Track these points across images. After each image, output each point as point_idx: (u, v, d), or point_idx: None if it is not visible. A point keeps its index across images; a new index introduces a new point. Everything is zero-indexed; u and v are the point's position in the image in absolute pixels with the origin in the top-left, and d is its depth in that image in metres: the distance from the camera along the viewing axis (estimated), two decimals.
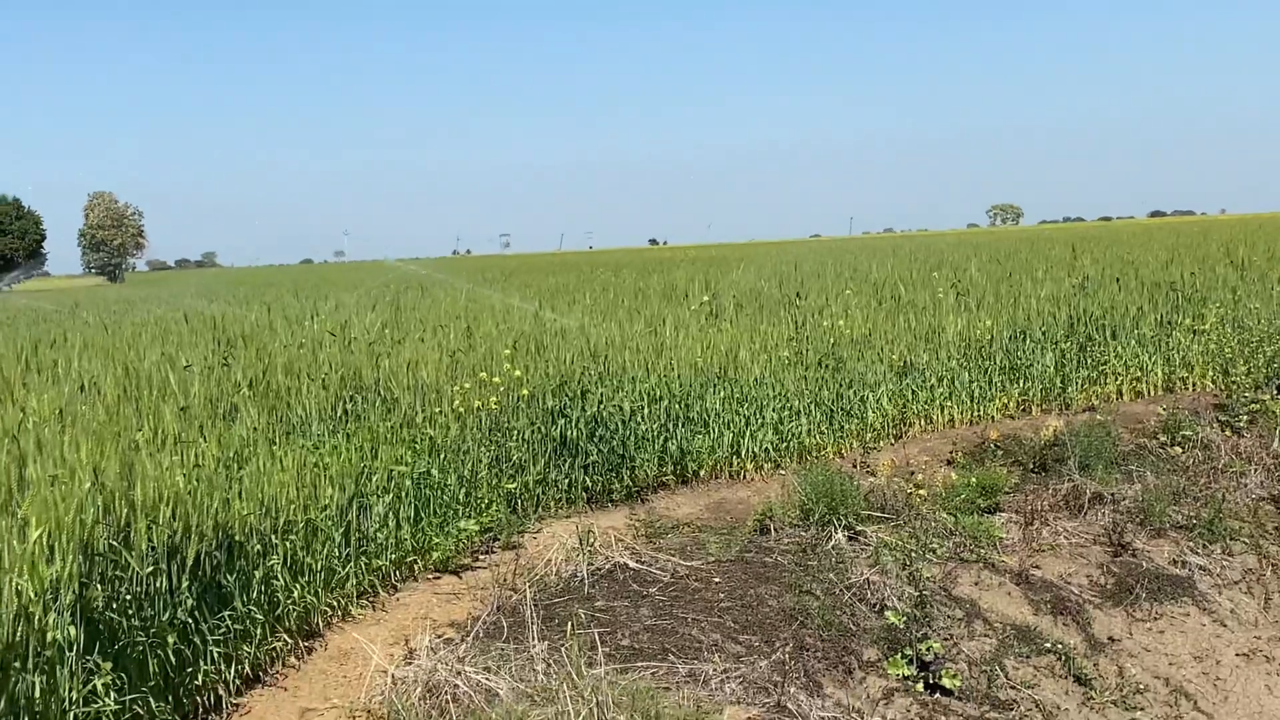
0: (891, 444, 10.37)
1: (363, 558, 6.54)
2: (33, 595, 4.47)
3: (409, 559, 6.94)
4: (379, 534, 6.72)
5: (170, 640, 5.08)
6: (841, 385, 10.28)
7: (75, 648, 4.59)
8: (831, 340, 11.46)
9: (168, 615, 5.10)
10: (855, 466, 9.36)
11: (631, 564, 7.11)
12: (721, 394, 9.45)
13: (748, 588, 6.78)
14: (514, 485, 8.04)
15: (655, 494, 8.90)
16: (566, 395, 8.78)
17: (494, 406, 8.47)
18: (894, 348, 11.32)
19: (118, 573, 4.94)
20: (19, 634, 4.44)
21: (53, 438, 5.81)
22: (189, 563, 5.27)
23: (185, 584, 5.19)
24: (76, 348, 11.17)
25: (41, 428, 6.33)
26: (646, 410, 8.94)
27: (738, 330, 11.82)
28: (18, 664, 4.48)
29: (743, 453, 9.29)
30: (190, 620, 5.22)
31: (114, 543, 5.02)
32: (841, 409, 10.05)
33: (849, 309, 13.41)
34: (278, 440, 7.16)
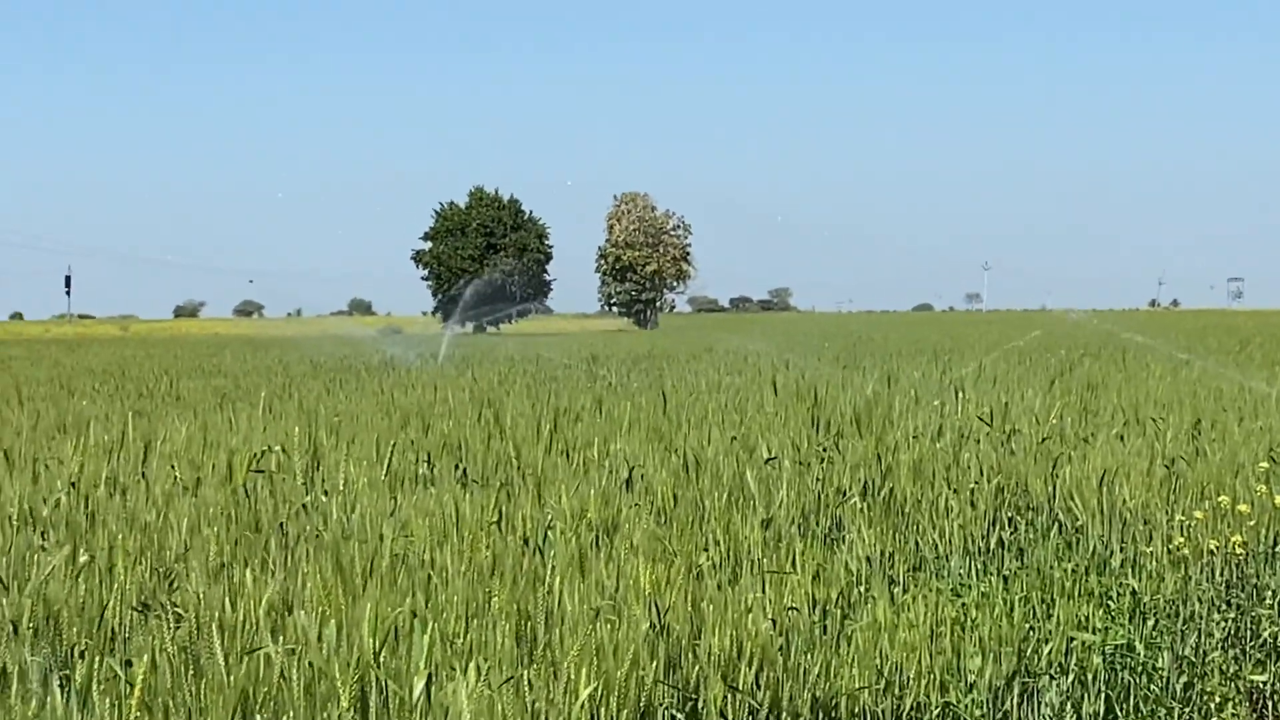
0: None
1: None
2: None
3: None
4: None
5: None
6: None
7: None
8: None
9: None
10: None
11: None
12: None
13: None
14: (1263, 677, 7.15)
15: None
16: None
17: (1237, 550, 7.78)
18: None
19: None
20: None
21: (590, 552, 5.75)
22: None
23: None
24: (609, 418, 11.59)
25: (573, 535, 6.41)
26: None
27: None
28: None
29: None
30: None
31: (678, 714, 5.03)
32: None
33: None
34: (900, 579, 7.09)
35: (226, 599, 5.47)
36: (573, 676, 4.67)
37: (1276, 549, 7.88)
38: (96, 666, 4.51)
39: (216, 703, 4.30)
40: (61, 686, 4.46)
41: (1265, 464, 9.02)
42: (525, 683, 4.68)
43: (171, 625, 5.05)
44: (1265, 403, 13.23)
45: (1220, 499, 8.13)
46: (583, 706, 4.59)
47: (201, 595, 5.59)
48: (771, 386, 14.81)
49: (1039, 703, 6.15)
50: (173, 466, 9.38)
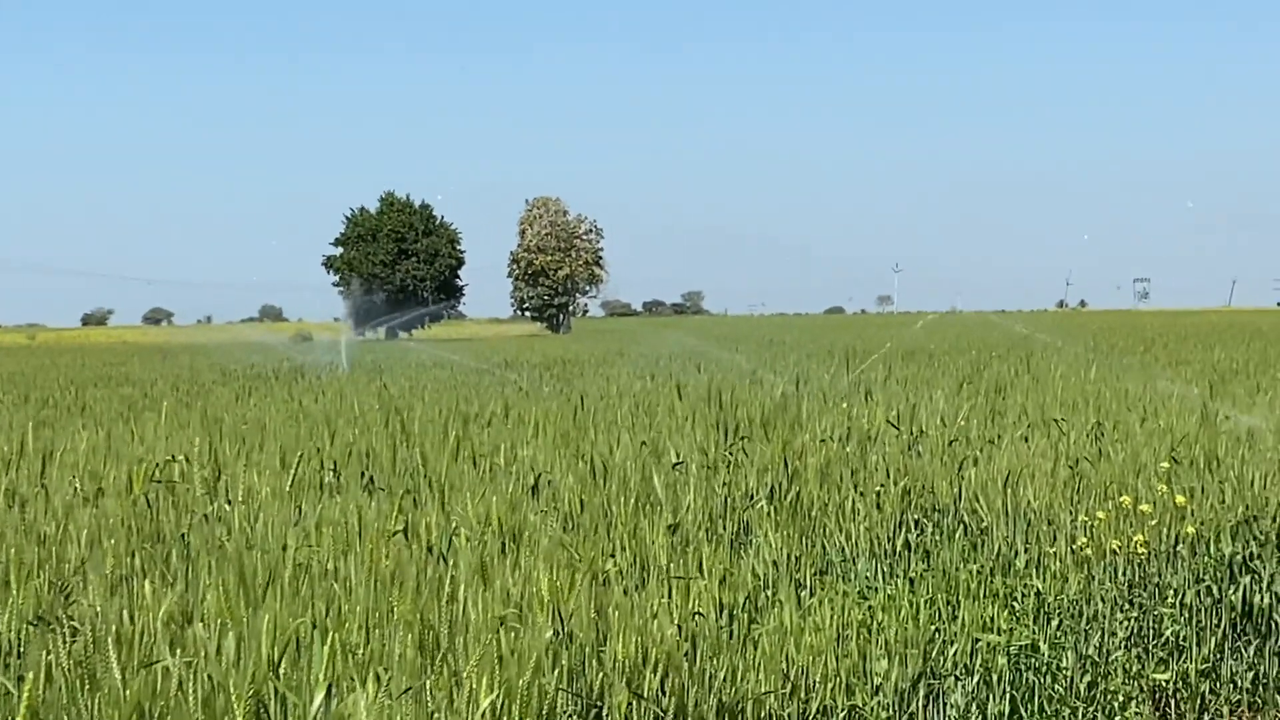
0: None
1: None
2: None
3: None
4: None
5: None
6: None
7: None
8: None
9: None
10: None
11: None
12: None
13: None
14: (1165, 676, 7.27)
15: None
16: (1255, 539, 8.07)
17: (1139, 550, 7.88)
18: None
19: None
20: None
21: (495, 559, 5.71)
22: None
23: None
24: (517, 424, 11.57)
25: (478, 543, 6.31)
26: None
27: None
28: None
29: None
30: None
31: None
32: None
33: None
34: (807, 582, 7.09)
35: (125, 611, 5.39)
36: (474, 686, 4.64)
37: (1178, 548, 7.95)
38: None
39: (112, 717, 4.22)
40: None
41: (1166, 464, 9.13)
42: (426, 693, 4.64)
43: (68, 639, 4.94)
44: (1167, 403, 13.45)
45: (1123, 499, 8.22)
46: (484, 715, 4.55)
47: (99, 608, 5.46)
48: (676, 392, 14.82)
49: (944, 704, 6.19)
50: (74, 478, 9.26)
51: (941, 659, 6.36)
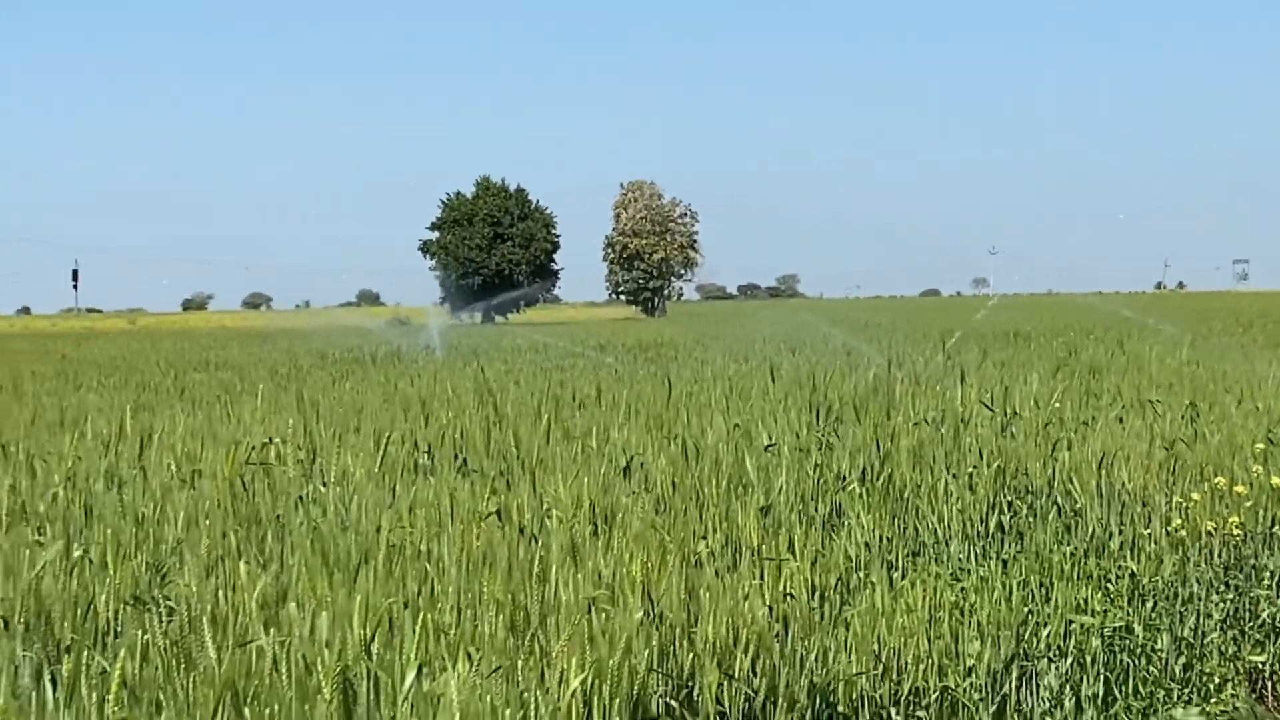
0: None
1: None
2: None
3: None
4: (1047, 718, 6.16)
5: None
6: None
7: None
8: None
9: None
10: None
11: None
12: None
13: None
14: (1262, 658, 7.14)
15: None
16: None
17: (1235, 532, 7.73)
18: None
19: None
20: None
21: (586, 540, 5.73)
22: None
23: None
24: (610, 407, 11.57)
25: (570, 524, 6.33)
26: None
27: None
28: None
29: None
30: None
31: (673, 702, 4.92)
32: None
33: None
34: (899, 564, 7.01)
35: (220, 592, 5.47)
36: (565, 665, 4.65)
37: (1274, 530, 7.83)
38: (85, 661, 4.50)
39: (206, 696, 4.29)
40: (51, 681, 4.45)
41: (1262, 445, 8.98)
42: (517, 672, 4.67)
43: (164, 618, 5.04)
44: (1264, 384, 13.20)
45: (1218, 480, 8.10)
46: (574, 695, 4.54)
47: (195, 588, 5.56)
48: (770, 374, 14.78)
49: (1038, 686, 6.10)
50: (171, 460, 9.39)
51: (1035, 641, 6.28)
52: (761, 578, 6.07)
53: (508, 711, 4.28)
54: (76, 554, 6.01)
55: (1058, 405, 12.02)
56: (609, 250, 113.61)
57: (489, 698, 4.30)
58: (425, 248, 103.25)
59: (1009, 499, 8.51)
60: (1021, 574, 6.95)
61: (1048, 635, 6.35)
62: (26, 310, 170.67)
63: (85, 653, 4.60)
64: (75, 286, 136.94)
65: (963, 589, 6.57)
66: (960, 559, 7.52)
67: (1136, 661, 6.49)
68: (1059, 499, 8.51)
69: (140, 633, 4.85)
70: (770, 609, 5.59)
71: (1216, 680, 6.74)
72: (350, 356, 28.20)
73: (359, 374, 21.51)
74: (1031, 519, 8.19)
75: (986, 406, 11.21)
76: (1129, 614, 6.71)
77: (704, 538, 6.81)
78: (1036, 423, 10.59)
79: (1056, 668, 6.20)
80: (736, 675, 5.11)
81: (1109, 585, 7.06)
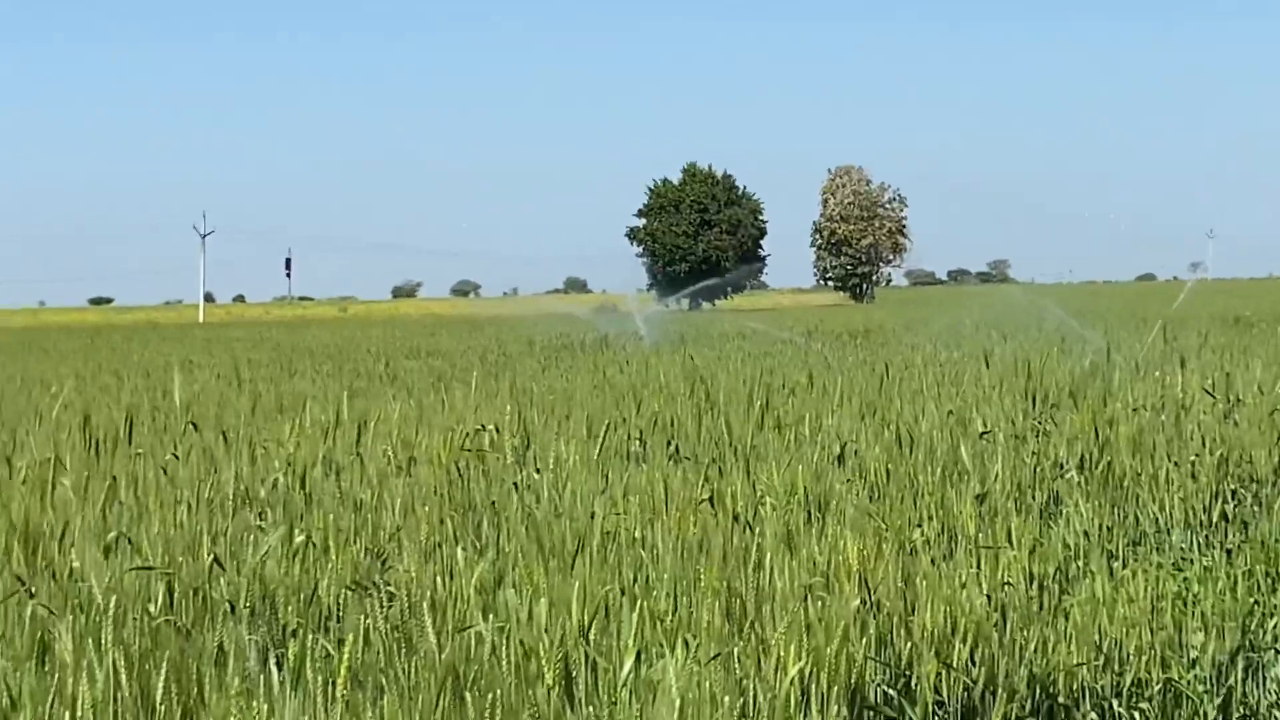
0: None
1: None
2: None
3: None
4: (1275, 710, 5.88)
5: None
6: None
7: None
8: None
9: None
10: None
11: None
12: None
13: None
14: None
15: None
16: None
17: None
18: None
19: None
20: None
21: (800, 528, 5.74)
22: None
23: None
24: (822, 393, 11.46)
25: (785, 512, 6.36)
26: None
27: None
28: None
29: None
30: None
31: (891, 691, 4.87)
32: None
33: None
34: (1119, 553, 6.83)
35: (438, 577, 5.55)
36: (782, 653, 4.63)
37: None
38: (309, 644, 4.63)
39: (428, 680, 4.36)
40: (277, 664, 4.60)
41: None
42: (734, 660, 4.68)
43: (384, 603, 5.15)
44: None
45: None
46: (792, 683, 4.52)
47: (414, 573, 5.67)
48: (984, 361, 14.55)
49: (1264, 678, 5.88)
50: (387, 447, 9.59)
51: (1261, 632, 6.05)
52: (978, 566, 6.01)
53: (727, 699, 4.28)
54: (299, 540, 6.18)
55: None
56: (816, 236, 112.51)
57: (708, 685, 4.29)
58: (632, 234, 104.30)
59: (1233, 487, 8.32)
60: (1246, 564, 6.77)
61: (1274, 627, 6.10)
62: (241, 299, 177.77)
63: (309, 637, 4.73)
64: (289, 275, 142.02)
65: (1185, 579, 6.41)
66: (1182, 548, 7.35)
67: None
68: None
69: (362, 617, 4.97)
70: (988, 598, 5.52)
71: None
72: (558, 344, 28.50)
73: (568, 361, 21.85)
74: (1256, 508, 8.00)
75: (1208, 393, 10.91)
76: None
77: (919, 525, 6.79)
78: (1261, 409, 10.29)
79: None
80: (955, 664, 5.04)
81: None
